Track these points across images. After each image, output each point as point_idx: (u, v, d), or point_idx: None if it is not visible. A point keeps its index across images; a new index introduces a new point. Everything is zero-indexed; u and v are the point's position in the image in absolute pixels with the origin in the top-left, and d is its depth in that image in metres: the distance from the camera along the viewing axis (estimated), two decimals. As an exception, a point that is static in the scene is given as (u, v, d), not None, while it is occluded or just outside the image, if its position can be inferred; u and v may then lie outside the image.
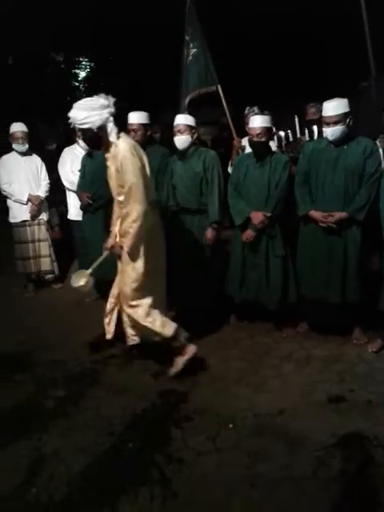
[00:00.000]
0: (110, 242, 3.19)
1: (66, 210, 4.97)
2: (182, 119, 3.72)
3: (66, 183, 4.76)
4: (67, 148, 4.84)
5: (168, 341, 3.11)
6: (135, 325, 3.14)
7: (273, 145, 3.88)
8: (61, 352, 3.64)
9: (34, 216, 4.77)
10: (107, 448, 2.54)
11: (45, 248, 4.87)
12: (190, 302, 3.90)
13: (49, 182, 4.88)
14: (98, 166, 4.19)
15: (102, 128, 2.77)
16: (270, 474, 2.30)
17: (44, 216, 4.86)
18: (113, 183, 3.02)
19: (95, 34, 9.98)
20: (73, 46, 10.74)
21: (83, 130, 2.81)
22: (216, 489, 2.21)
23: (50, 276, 5.00)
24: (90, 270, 3.34)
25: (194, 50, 4.43)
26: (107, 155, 2.93)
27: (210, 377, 3.17)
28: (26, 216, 4.74)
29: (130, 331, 3.20)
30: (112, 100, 2.82)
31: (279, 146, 4.02)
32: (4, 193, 4.74)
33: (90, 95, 3.02)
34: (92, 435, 2.64)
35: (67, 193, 4.85)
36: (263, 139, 3.43)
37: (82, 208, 4.31)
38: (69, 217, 4.90)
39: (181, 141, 3.69)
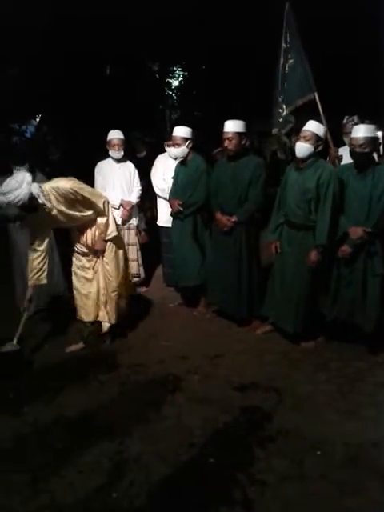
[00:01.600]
0: (27, 299, 3.57)
1: (152, 216, 5.03)
2: (313, 127, 3.46)
3: (157, 190, 4.83)
4: (161, 156, 4.91)
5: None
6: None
7: (375, 156, 3.65)
8: (143, 355, 3.70)
9: (125, 221, 4.88)
10: (188, 460, 2.50)
11: (133, 252, 4.97)
12: (281, 318, 3.78)
13: (141, 188, 4.98)
14: (190, 175, 4.21)
15: (31, 197, 3.15)
16: (361, 510, 2.13)
17: (134, 221, 4.97)
18: (64, 219, 3.41)
19: (189, 43, 10.14)
20: (168, 55, 10.99)
21: (20, 206, 3.15)
22: (301, 519, 2.09)
23: (135, 279, 5.09)
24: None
25: (292, 61, 4.31)
26: (45, 210, 3.30)
27: (297, 398, 3.02)
28: (118, 220, 4.86)
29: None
30: (23, 169, 3.41)
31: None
32: (98, 197, 4.90)
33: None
34: (173, 444, 2.62)
35: (158, 200, 4.93)
36: (367, 150, 3.23)
37: (172, 214, 4.34)
38: (158, 223, 4.97)
39: (302, 149, 3.43)
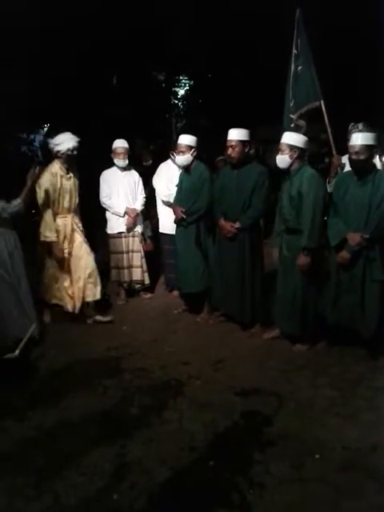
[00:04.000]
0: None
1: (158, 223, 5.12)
2: (286, 139, 3.60)
3: (159, 198, 4.90)
4: (163, 164, 4.98)
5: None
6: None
7: (378, 164, 3.68)
8: (147, 360, 3.74)
9: (130, 228, 4.94)
10: (188, 463, 2.53)
11: (137, 259, 5.03)
12: (284, 324, 3.83)
13: (145, 196, 5.05)
14: (193, 182, 4.27)
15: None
16: (360, 513, 2.15)
17: (139, 228, 5.02)
18: (73, 193, 4.38)
19: (195, 52, 10.24)
20: (174, 65, 11.10)
21: (72, 152, 4.25)
22: (299, 522, 2.11)
23: (139, 285, 5.15)
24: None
25: (300, 68, 4.36)
26: (71, 173, 4.36)
27: (297, 402, 3.05)
28: (123, 228, 4.93)
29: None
30: None
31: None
32: (104, 205, 4.97)
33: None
34: (174, 448, 2.65)
35: (161, 207, 4.99)
36: (362, 157, 3.26)
37: (175, 222, 4.39)
38: (160, 230, 5.03)
39: (281, 161, 3.59)
